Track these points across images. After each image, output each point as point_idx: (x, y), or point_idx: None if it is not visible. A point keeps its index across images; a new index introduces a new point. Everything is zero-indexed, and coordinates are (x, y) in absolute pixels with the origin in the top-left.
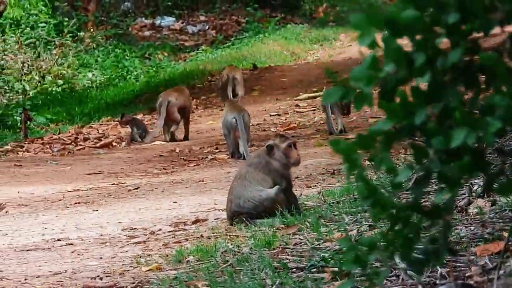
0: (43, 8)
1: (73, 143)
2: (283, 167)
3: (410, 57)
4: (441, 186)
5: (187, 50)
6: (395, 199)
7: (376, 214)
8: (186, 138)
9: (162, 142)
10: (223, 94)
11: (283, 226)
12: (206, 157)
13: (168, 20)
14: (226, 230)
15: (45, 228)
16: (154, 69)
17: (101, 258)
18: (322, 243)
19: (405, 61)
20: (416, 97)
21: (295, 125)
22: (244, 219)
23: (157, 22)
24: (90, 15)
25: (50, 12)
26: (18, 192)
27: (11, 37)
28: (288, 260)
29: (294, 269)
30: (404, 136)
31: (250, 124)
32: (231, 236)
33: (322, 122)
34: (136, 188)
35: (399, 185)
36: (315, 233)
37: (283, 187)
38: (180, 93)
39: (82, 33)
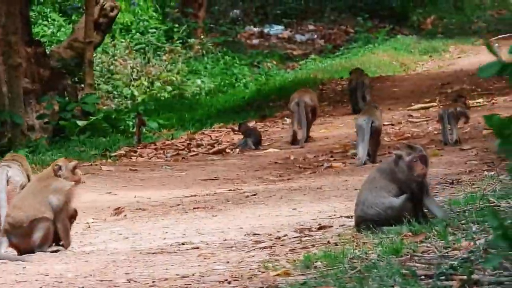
0: (154, 14)
1: (186, 149)
2: (406, 178)
3: None
4: None
5: (296, 59)
6: None
7: None
8: (306, 140)
9: (276, 150)
10: (351, 98)
11: (410, 233)
12: (322, 165)
13: (277, 29)
14: (353, 236)
15: (166, 232)
16: (263, 76)
17: (228, 262)
18: (450, 251)
19: None
20: None
21: (409, 135)
22: (371, 225)
23: (266, 30)
24: (200, 22)
25: (160, 18)
26: (135, 197)
27: (121, 42)
28: (416, 268)
29: (423, 277)
30: None
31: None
32: (358, 243)
33: (436, 132)
34: (254, 195)
35: None
36: (443, 241)
37: (409, 196)
38: (311, 94)
39: (192, 40)
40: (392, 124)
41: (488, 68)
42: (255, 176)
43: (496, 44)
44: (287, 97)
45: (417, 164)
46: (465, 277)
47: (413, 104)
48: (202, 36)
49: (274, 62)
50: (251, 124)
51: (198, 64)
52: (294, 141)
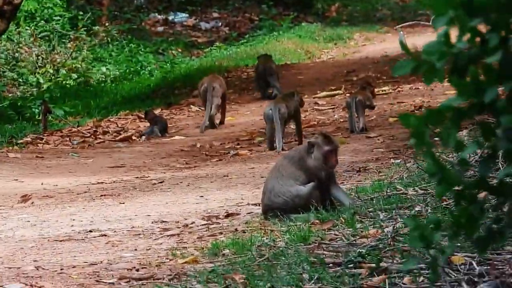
0: (58, 1)
1: (92, 136)
2: (317, 167)
3: (483, 36)
4: (508, 165)
5: (201, 47)
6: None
7: (442, 191)
8: (222, 123)
9: (182, 137)
10: (259, 84)
11: (317, 221)
12: (228, 153)
13: (181, 16)
14: (260, 224)
15: (73, 220)
16: (168, 64)
17: (135, 249)
18: (358, 239)
19: (478, 40)
20: (488, 75)
21: (315, 123)
22: (278, 213)
23: (170, 18)
24: (104, 10)
25: (65, 6)
26: (42, 184)
27: (26, 29)
28: (324, 256)
29: (331, 265)
30: (474, 113)
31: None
32: (266, 230)
33: (342, 120)
34: (161, 182)
35: (465, 162)
36: (351, 229)
37: (317, 184)
38: (220, 79)
39: (96, 27)
40: None
41: (402, 67)
42: (161, 163)
43: (401, 32)
44: (193, 85)
45: (331, 156)
46: (373, 265)
47: (318, 91)
48: (106, 24)
49: (179, 50)
50: (157, 111)
51: (103, 52)
52: (212, 126)
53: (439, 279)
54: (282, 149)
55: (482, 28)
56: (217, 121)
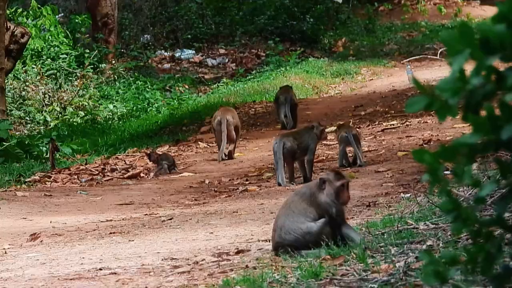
0: (64, 39)
1: (100, 173)
2: (329, 204)
3: (499, 74)
4: None
5: (208, 83)
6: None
7: (458, 229)
8: (230, 156)
9: (190, 174)
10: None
11: (329, 257)
12: (237, 189)
13: (188, 53)
14: (271, 260)
15: (83, 258)
16: (175, 101)
17: (146, 287)
18: (369, 274)
19: (495, 77)
20: (504, 112)
21: (324, 158)
22: (290, 249)
23: (177, 54)
24: (110, 47)
25: (71, 44)
26: (51, 222)
27: (33, 68)
28: None
29: None
30: (490, 150)
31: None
32: (277, 267)
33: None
34: (170, 219)
35: (482, 200)
36: (362, 264)
37: (328, 221)
38: (233, 112)
39: (103, 65)
40: None
41: (415, 103)
42: (170, 200)
43: (408, 66)
44: (200, 121)
45: (344, 191)
46: None
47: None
48: (113, 61)
49: (186, 86)
50: (165, 148)
51: (110, 89)
52: (230, 157)
53: None
54: (291, 184)
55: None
56: (226, 152)
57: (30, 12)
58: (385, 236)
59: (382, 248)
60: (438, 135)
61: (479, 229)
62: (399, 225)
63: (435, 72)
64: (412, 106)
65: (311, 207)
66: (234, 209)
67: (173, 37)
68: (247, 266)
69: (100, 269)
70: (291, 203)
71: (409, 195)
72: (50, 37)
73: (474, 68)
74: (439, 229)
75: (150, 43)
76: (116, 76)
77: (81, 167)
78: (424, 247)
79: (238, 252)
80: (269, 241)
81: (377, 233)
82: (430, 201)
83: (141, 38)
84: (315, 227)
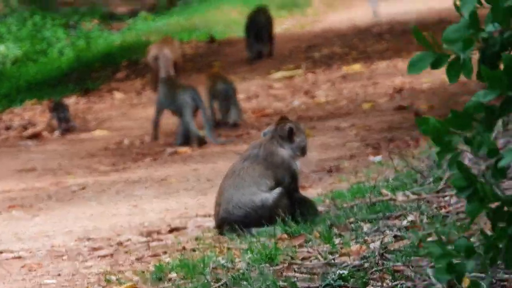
0: None
1: None
2: (292, 158)
3: None
4: None
5: (122, 17)
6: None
7: (475, 210)
8: None
9: (105, 132)
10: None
11: (286, 236)
12: (164, 150)
13: None
14: (214, 240)
15: None
16: (82, 40)
17: (59, 275)
18: (337, 257)
19: None
20: None
21: (271, 111)
22: (237, 227)
23: None
24: None
25: None
26: None
27: None
28: (296, 279)
29: None
30: (510, 110)
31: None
32: (222, 249)
33: (304, 107)
34: (82, 189)
35: (502, 172)
36: (328, 245)
37: (285, 189)
38: (172, 45)
39: None
40: (249, 97)
41: (419, 62)
42: (81, 165)
43: None
44: (115, 65)
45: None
46: None
47: (273, 71)
48: None
49: (96, 22)
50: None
51: (1, 27)
52: None
53: None
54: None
55: None
56: None
57: None
58: (355, 210)
59: (352, 225)
60: (412, 81)
61: (500, 209)
62: (371, 196)
63: (408, 4)
64: (415, 66)
65: (267, 170)
66: (162, 176)
67: None
68: (184, 248)
69: (0, 252)
70: (240, 170)
71: (379, 157)
72: None
73: (489, 12)
74: (422, 201)
75: None
76: (8, 10)
77: None
78: (404, 223)
79: (172, 230)
80: (210, 217)
81: (345, 205)
82: (410, 166)
83: None
84: (270, 199)
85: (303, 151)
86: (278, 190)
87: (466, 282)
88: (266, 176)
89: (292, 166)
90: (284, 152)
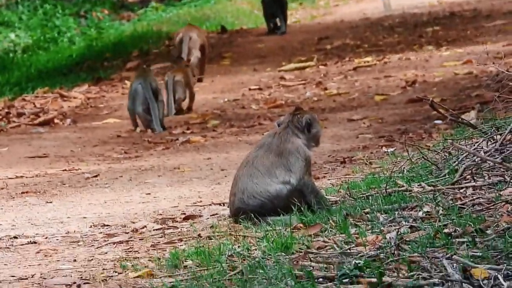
0: None
1: (4, 119)
2: (306, 147)
3: None
4: None
5: (132, 7)
6: None
7: None
8: (200, 80)
9: (117, 120)
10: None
11: (302, 225)
12: (177, 139)
13: None
14: (229, 229)
15: None
16: (92, 29)
17: (75, 260)
18: (353, 247)
19: None
20: None
21: (282, 102)
22: (253, 215)
23: None
24: None
25: None
26: None
27: None
28: (312, 268)
29: (321, 279)
30: None
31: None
32: (238, 237)
33: (316, 99)
34: (95, 176)
35: None
36: (343, 235)
37: (300, 179)
38: (199, 30)
39: None
40: (260, 89)
41: None
42: (94, 153)
43: None
44: (125, 55)
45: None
46: (374, 279)
47: (284, 63)
48: None
49: (106, 12)
50: (81, 89)
51: (11, 15)
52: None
53: None
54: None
55: None
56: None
57: None
58: (371, 201)
59: (367, 215)
60: (424, 75)
61: None
62: (387, 187)
63: None
64: None
65: (281, 158)
66: (175, 165)
67: None
68: (199, 236)
69: (15, 237)
70: (254, 159)
71: (393, 149)
72: None
73: None
74: (438, 193)
75: None
76: None
77: None
78: (420, 214)
79: (187, 218)
80: (224, 205)
81: (360, 196)
82: (425, 157)
83: None
84: (285, 190)
85: (318, 141)
86: (293, 180)
87: (482, 273)
88: (280, 165)
89: (306, 153)
90: (299, 141)
